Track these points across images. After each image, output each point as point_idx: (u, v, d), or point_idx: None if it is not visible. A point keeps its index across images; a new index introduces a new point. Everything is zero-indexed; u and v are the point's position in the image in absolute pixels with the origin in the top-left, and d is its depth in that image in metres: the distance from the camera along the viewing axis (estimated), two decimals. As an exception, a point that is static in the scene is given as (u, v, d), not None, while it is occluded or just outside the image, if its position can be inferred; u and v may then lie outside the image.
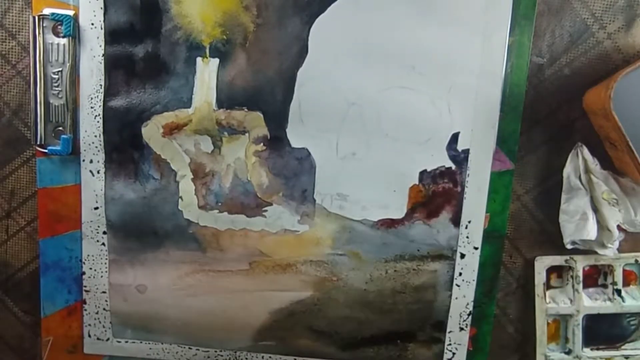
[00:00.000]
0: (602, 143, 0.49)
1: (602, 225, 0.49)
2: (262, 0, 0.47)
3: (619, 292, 0.52)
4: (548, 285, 0.52)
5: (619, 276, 0.51)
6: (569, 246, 0.50)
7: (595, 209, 0.49)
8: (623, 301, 0.52)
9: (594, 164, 0.48)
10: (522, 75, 0.48)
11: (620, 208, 0.48)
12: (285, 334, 0.54)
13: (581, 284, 0.52)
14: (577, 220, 0.49)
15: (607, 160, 0.49)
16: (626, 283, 0.52)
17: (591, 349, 0.53)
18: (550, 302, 0.52)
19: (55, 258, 0.53)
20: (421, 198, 0.50)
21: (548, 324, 0.53)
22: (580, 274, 0.51)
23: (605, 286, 0.53)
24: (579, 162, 0.48)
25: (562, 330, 0.53)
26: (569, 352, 0.53)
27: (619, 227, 0.49)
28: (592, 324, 0.52)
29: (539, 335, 0.52)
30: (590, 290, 0.53)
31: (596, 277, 0.53)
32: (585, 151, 0.48)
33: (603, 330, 0.53)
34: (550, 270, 0.52)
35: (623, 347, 0.53)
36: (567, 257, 0.51)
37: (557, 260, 0.51)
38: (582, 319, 0.52)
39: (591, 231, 0.48)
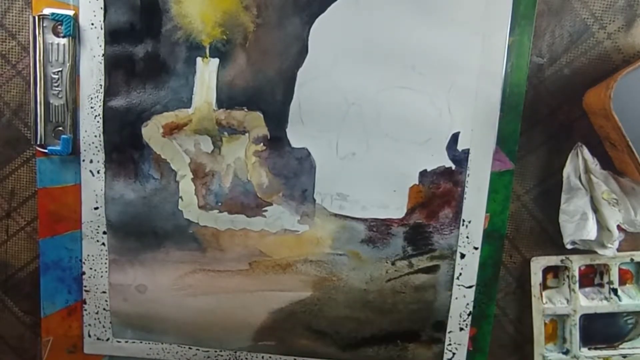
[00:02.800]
0: (602, 143, 0.48)
1: (602, 225, 0.48)
2: (262, 0, 0.46)
3: (615, 291, 0.50)
4: (544, 286, 0.51)
5: (614, 275, 0.50)
6: (569, 246, 0.48)
7: (595, 209, 0.48)
8: (620, 300, 0.50)
9: (594, 164, 0.47)
10: (522, 75, 0.47)
11: (620, 208, 0.47)
12: (285, 334, 0.53)
13: (577, 284, 0.50)
14: (577, 220, 0.47)
15: (607, 160, 0.48)
16: (622, 282, 0.51)
17: (589, 349, 0.51)
18: (547, 303, 0.51)
19: (55, 258, 0.51)
20: (421, 198, 0.49)
21: (545, 324, 0.51)
22: (577, 273, 0.50)
23: (601, 285, 0.51)
24: (579, 162, 0.47)
25: (559, 330, 0.52)
26: (566, 352, 0.51)
27: (619, 227, 0.47)
28: (589, 324, 0.51)
29: (536, 335, 0.51)
30: (587, 289, 0.51)
31: (592, 276, 0.51)
32: (585, 151, 0.47)
33: (600, 329, 0.51)
34: (547, 270, 0.51)
35: (621, 346, 0.52)
36: (563, 257, 0.50)
37: (553, 260, 0.50)
38: (579, 318, 0.50)
39: (591, 231, 0.47)
